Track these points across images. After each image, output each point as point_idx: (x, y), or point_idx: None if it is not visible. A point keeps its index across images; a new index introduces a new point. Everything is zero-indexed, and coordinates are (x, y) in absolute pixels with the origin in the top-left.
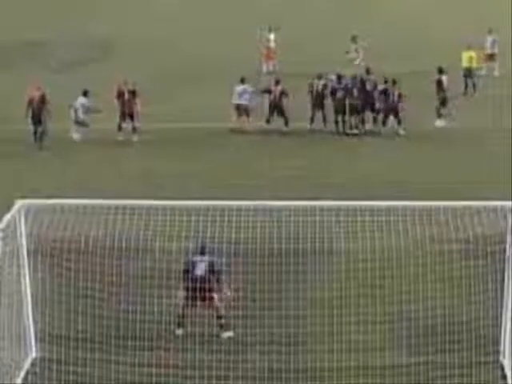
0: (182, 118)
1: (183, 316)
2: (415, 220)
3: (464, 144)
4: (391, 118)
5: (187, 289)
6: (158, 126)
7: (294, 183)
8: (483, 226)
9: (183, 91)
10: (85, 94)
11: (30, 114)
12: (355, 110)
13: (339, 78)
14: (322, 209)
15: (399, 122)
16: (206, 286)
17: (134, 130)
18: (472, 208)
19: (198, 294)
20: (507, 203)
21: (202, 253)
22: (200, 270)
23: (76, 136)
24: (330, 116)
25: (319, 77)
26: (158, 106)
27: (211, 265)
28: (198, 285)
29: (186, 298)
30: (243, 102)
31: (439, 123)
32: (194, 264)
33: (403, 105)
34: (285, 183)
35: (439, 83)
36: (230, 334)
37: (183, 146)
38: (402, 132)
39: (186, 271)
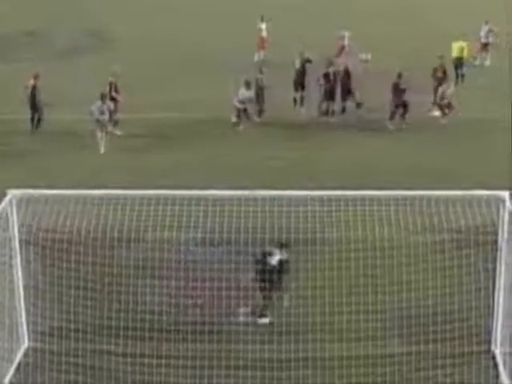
0: (177, 108)
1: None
2: (407, 210)
3: (454, 134)
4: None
5: (263, 279)
6: (153, 116)
7: (284, 174)
8: (475, 216)
9: (178, 81)
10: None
11: (28, 101)
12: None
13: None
14: (313, 199)
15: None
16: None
17: (116, 123)
18: (464, 198)
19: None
20: (499, 193)
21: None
22: (274, 260)
23: None
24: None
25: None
26: (155, 96)
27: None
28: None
29: (263, 288)
30: (246, 106)
31: (436, 113)
32: (270, 254)
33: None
34: (275, 174)
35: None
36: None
37: (176, 136)
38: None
39: (261, 261)
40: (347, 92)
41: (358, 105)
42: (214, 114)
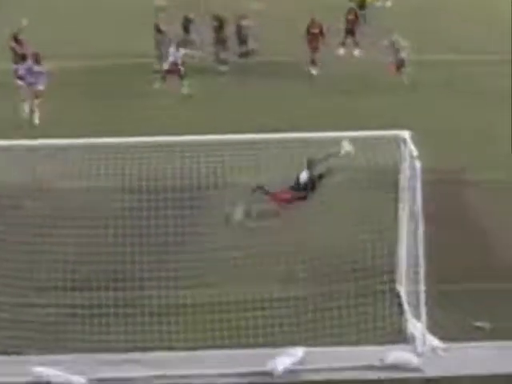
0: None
1: None
2: (309, 152)
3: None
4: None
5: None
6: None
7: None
8: (377, 157)
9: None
10: None
11: None
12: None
13: None
14: (217, 143)
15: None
16: None
17: None
18: (366, 138)
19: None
20: (401, 133)
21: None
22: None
23: None
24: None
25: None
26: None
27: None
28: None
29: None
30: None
31: (356, 53)
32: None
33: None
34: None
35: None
36: None
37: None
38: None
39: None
40: (242, 40)
41: (252, 51)
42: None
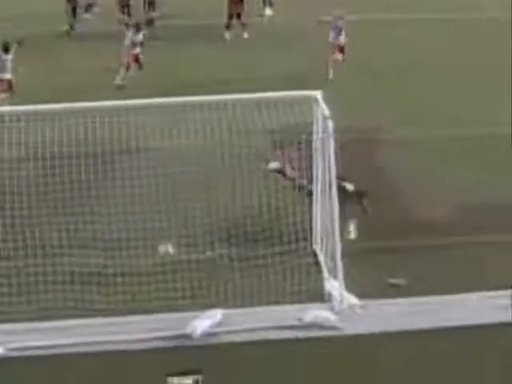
0: None
1: None
2: (225, 115)
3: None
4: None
5: None
6: None
7: None
8: (289, 117)
9: None
10: None
11: None
12: None
13: None
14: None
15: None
16: None
17: None
18: (278, 99)
19: None
20: (312, 93)
21: None
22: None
23: None
24: None
25: None
26: None
27: None
28: None
29: None
30: None
31: (268, 12)
32: None
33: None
34: None
35: None
36: None
37: None
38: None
39: None
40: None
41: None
42: None
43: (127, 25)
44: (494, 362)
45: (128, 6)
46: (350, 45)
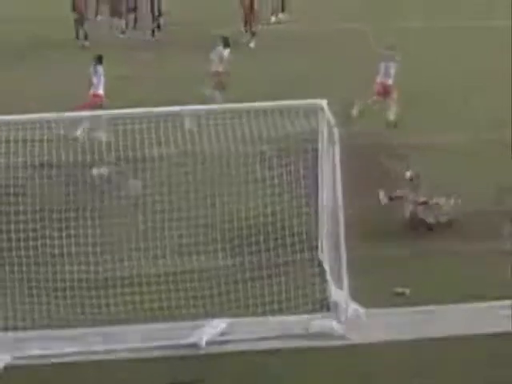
0: None
1: None
2: (229, 123)
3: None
4: None
5: None
6: None
7: None
8: (295, 126)
9: None
10: None
11: None
12: None
13: None
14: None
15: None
16: None
17: None
18: (284, 108)
19: None
20: (318, 101)
21: None
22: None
23: None
24: None
25: None
26: None
27: None
28: None
29: None
30: None
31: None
32: None
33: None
34: None
35: None
36: None
37: None
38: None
39: None
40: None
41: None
42: None
43: None
44: (499, 371)
45: None
46: None
